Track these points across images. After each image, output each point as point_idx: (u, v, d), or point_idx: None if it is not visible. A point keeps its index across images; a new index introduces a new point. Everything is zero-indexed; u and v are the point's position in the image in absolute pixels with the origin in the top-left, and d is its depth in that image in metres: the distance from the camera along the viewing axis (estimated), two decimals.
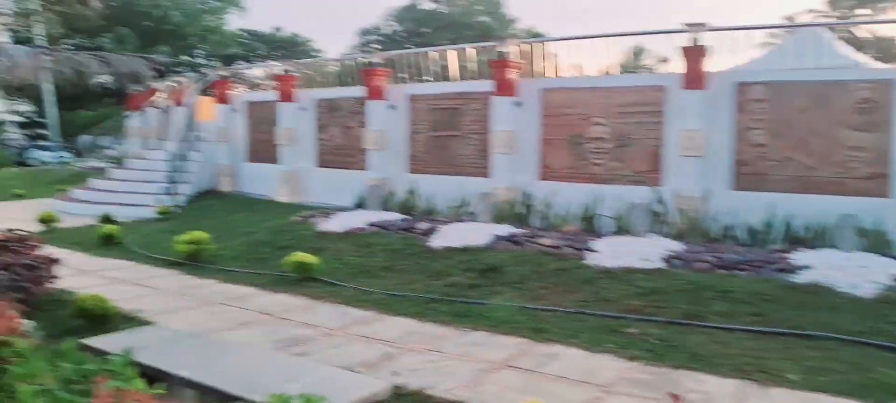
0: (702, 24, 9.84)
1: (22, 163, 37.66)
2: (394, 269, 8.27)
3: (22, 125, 49.74)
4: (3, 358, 2.96)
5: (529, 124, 11.36)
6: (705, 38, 9.82)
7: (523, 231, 9.19)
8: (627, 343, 5.55)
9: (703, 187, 9.64)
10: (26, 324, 4.45)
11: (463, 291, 7.30)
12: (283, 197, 14.55)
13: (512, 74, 11.59)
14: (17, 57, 6.73)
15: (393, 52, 14.58)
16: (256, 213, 12.89)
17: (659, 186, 10.07)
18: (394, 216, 10.78)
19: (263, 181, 15.29)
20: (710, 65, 9.89)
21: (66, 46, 26.55)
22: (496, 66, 11.73)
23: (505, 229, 9.17)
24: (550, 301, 6.86)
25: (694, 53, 9.85)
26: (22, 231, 7.10)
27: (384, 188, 12.73)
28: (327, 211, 11.40)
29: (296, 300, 7.12)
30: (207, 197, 15.65)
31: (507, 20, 50.00)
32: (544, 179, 11.18)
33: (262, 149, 15.96)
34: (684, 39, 9.92)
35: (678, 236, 8.96)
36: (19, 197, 18.52)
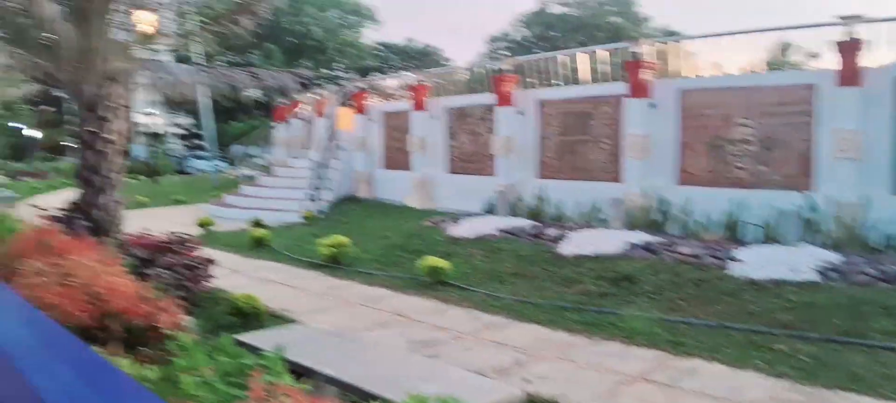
0: (857, 16, 9.00)
1: (182, 172, 41.44)
2: (523, 275, 8.25)
3: (181, 136, 54.74)
4: (168, 351, 3.26)
5: (665, 127, 10.92)
6: (861, 31, 8.98)
7: (659, 239, 8.83)
8: (775, 360, 5.17)
9: (861, 193, 8.79)
10: (187, 320, 4.87)
11: (595, 300, 7.13)
12: (415, 202, 14.95)
13: (646, 75, 11.19)
14: (179, 74, 7.39)
15: (522, 58, 14.56)
16: (391, 218, 13.33)
17: (810, 191, 9.31)
18: (523, 222, 10.74)
19: (397, 187, 15.79)
20: (866, 60, 9.03)
21: (220, 63, 28.87)
22: (629, 68, 11.38)
23: (639, 236, 8.86)
24: (689, 313, 6.54)
25: (849, 48, 9.02)
26: (183, 234, 7.78)
27: (513, 194, 12.73)
28: (457, 217, 11.57)
29: (428, 302, 7.28)
30: (346, 202, 16.39)
31: (639, 19, 48.34)
32: (682, 184, 10.69)
33: (396, 157, 16.49)
34: (837, 33, 9.12)
35: (833, 246, 8.22)
36: (180, 202, 20.35)
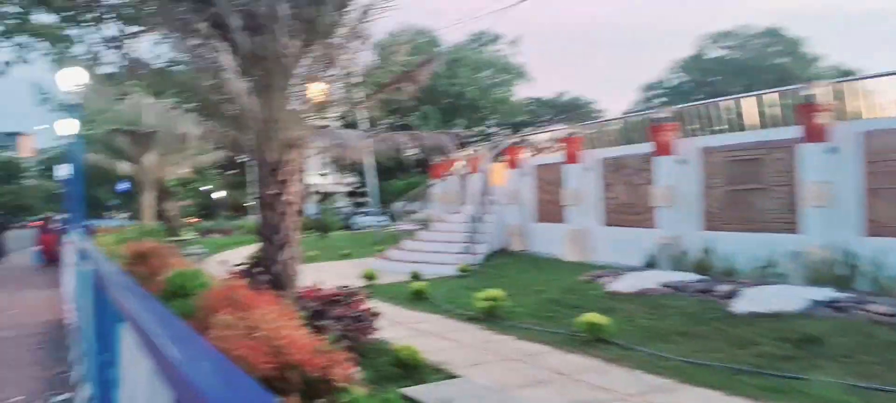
0: None
1: (348, 227, 44.01)
2: (690, 334, 7.76)
3: (348, 194, 58.35)
4: None
5: (848, 172, 9.94)
6: None
7: (847, 295, 7.97)
8: None
9: None
10: (354, 371, 5.10)
11: (775, 363, 6.53)
12: (569, 255, 14.70)
13: (822, 118, 10.31)
14: (347, 140, 7.92)
15: (680, 106, 14.01)
16: (545, 272, 13.20)
17: None
18: (688, 276, 10.17)
19: (550, 240, 15.65)
20: None
21: (383, 125, 30.62)
22: (803, 111, 10.57)
23: (823, 293, 8.06)
24: (887, 379, 5.78)
25: None
26: (350, 287, 8.21)
27: (675, 246, 12.12)
28: (615, 271, 11.21)
29: (588, 361, 7.06)
30: (500, 255, 16.49)
31: (808, 59, 44.95)
32: (871, 235, 9.61)
33: (549, 210, 16.39)
34: None
35: None
36: (346, 256, 21.54)
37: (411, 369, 6.33)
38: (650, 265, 12.12)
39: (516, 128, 46.31)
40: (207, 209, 57.63)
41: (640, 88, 52.36)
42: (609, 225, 14.50)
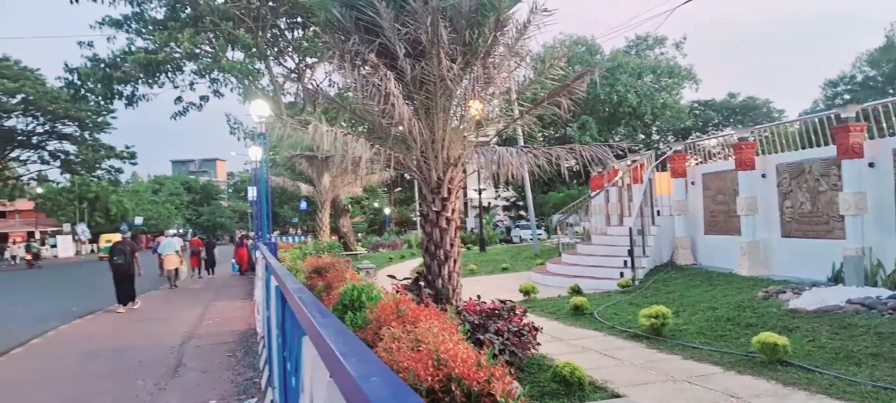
0: None
1: (506, 241, 44.41)
2: (883, 357, 6.98)
3: (505, 208, 58.87)
4: None
5: None
6: None
7: None
8: None
9: None
10: (515, 386, 5.17)
11: None
12: (743, 270, 13.76)
13: None
14: (505, 156, 8.05)
15: (869, 104, 12.59)
16: (716, 287, 12.47)
17: None
18: (882, 292, 9.16)
19: (722, 253, 14.76)
20: None
21: (540, 138, 30.65)
22: None
23: None
24: None
25: None
26: (510, 301, 8.32)
27: (867, 259, 10.93)
28: (796, 287, 10.34)
29: (764, 384, 6.58)
30: (665, 269, 15.83)
31: None
32: None
33: (720, 221, 15.47)
34: None
35: None
36: (505, 270, 21.78)
37: (572, 386, 6.28)
38: (836, 279, 11.03)
39: (681, 134, 44.19)
40: (378, 225, 60.93)
41: (821, 85, 47.84)
42: (788, 236, 13.39)
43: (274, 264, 5.33)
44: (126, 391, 7.39)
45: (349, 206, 38.25)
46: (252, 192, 31.68)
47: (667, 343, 8.67)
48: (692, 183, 16.82)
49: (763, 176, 14.02)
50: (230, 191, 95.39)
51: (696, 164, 17.91)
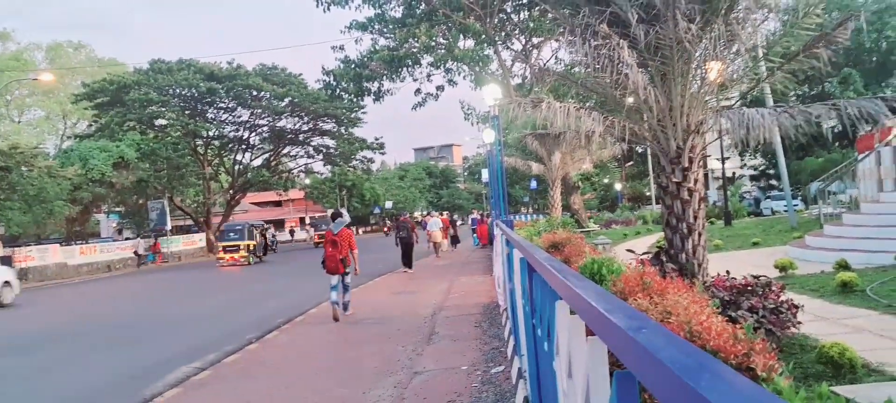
0: None
1: (756, 213, 40.75)
2: None
3: (753, 178, 53.92)
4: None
5: None
6: None
7: None
8: None
9: None
10: (777, 363, 4.82)
11: None
12: None
13: None
14: (753, 118, 7.43)
15: None
16: None
17: None
18: None
19: None
20: None
21: (793, 98, 27.62)
22: None
23: None
24: None
25: None
26: (764, 277, 7.70)
27: None
28: None
29: None
30: None
31: None
32: None
33: None
34: None
35: None
36: (755, 245, 20.06)
37: (841, 368, 5.67)
38: None
39: None
40: (609, 201, 59.78)
41: None
42: None
43: (517, 239, 5.56)
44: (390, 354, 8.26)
45: (579, 183, 38.02)
46: (485, 174, 33.05)
47: None
48: None
49: None
50: (465, 173, 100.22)
51: None
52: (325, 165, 55.56)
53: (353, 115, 48.06)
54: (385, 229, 63.14)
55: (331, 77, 30.98)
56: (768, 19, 8.42)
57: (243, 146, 49.87)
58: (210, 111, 45.42)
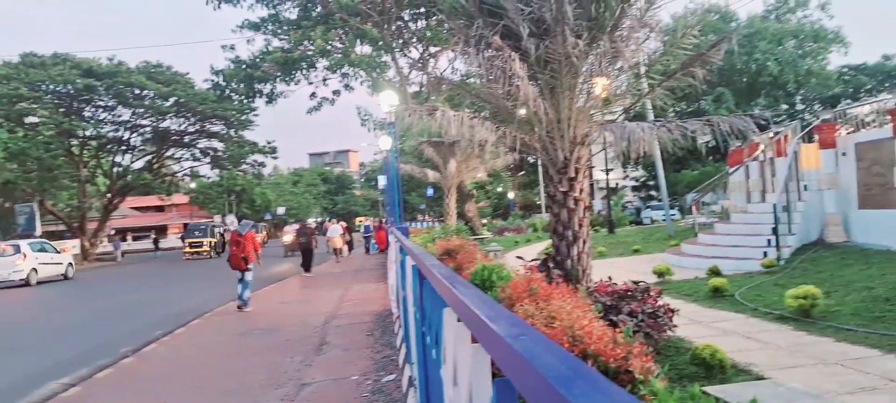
0: None
1: (637, 222, 43.04)
2: None
3: (635, 188, 56.98)
4: (640, 396, 3.45)
5: None
6: None
7: None
8: None
9: None
10: (653, 365, 5.06)
11: None
12: None
13: None
14: (634, 132, 7.82)
15: None
16: (873, 266, 11.45)
17: None
18: None
19: (879, 229, 13.49)
20: None
21: (672, 113, 29.41)
22: None
23: None
24: None
25: None
26: (643, 282, 8.10)
27: None
28: None
29: None
30: (813, 248, 14.71)
31: None
32: None
33: (876, 194, 14.15)
34: None
35: None
36: (636, 252, 21.15)
37: (712, 369, 6.04)
38: None
39: (830, 102, 40.67)
40: (502, 209, 61.16)
41: None
42: None
43: (410, 245, 5.54)
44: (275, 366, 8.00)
45: (474, 191, 38.67)
46: (382, 181, 32.95)
47: (817, 326, 8.11)
48: (843, 154, 15.48)
49: None
50: (362, 180, 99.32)
51: (848, 134, 16.44)
52: (212, 169, 53.25)
53: (243, 117, 46.36)
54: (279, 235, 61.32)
55: (220, 77, 29.85)
56: (650, 38, 8.89)
57: (123, 147, 46.91)
58: (87, 109, 42.44)
